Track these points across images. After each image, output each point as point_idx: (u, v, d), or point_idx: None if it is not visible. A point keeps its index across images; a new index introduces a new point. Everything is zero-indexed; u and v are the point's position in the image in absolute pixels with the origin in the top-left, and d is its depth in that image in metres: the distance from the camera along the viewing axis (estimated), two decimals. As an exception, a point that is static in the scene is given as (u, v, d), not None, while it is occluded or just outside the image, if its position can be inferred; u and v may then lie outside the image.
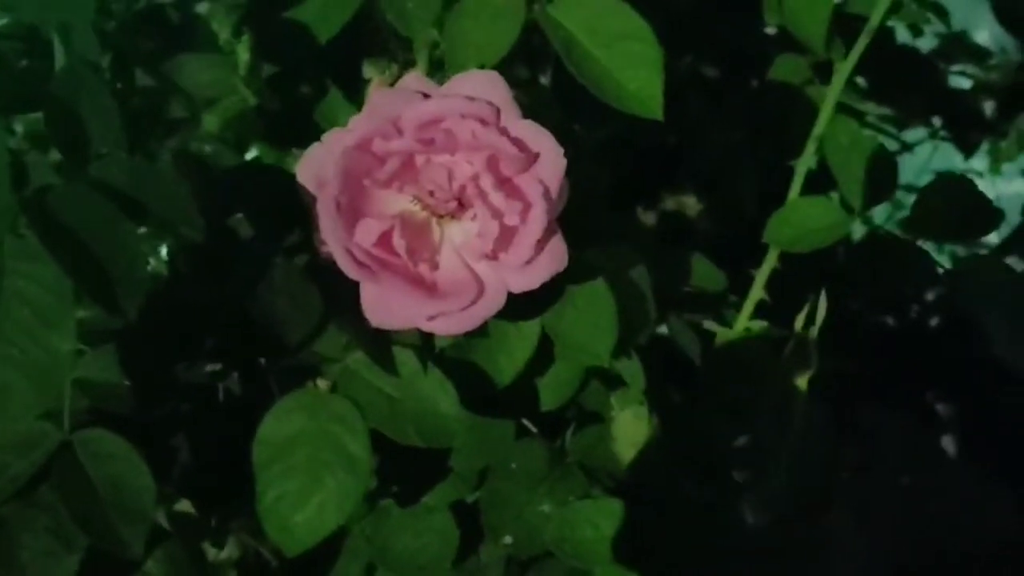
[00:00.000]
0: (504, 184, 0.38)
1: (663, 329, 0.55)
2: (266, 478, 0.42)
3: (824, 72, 0.61)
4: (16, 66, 0.45)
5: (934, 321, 0.99)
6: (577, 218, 0.39)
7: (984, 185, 0.55)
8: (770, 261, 0.54)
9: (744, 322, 0.54)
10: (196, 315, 0.44)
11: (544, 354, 0.44)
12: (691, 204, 0.77)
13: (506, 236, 0.38)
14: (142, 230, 0.41)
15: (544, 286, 0.39)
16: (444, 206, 0.39)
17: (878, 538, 0.97)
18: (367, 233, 0.38)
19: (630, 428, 0.50)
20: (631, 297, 0.46)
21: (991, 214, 0.50)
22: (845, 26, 0.54)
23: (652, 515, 0.50)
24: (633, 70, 0.41)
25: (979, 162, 1.02)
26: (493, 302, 0.39)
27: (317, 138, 0.40)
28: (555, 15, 0.42)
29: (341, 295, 0.39)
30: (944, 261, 0.52)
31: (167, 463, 0.47)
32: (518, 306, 0.39)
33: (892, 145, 0.86)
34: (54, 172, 0.38)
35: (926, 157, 1.03)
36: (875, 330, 0.98)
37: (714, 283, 0.54)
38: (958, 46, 0.97)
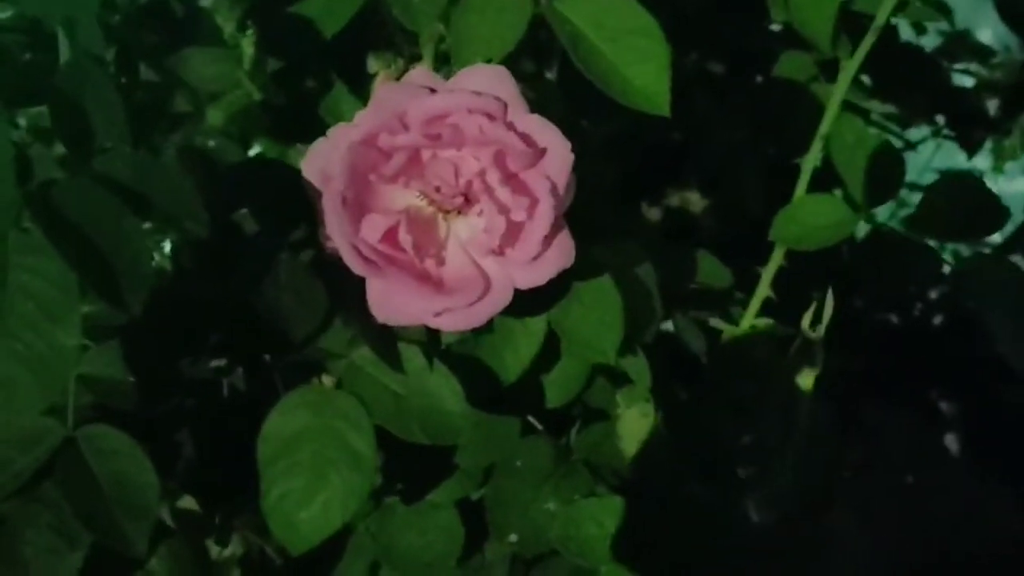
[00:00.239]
0: (511, 179, 0.38)
1: (668, 326, 0.55)
2: (271, 475, 0.42)
3: (829, 70, 0.61)
4: (20, 60, 0.45)
5: (937, 320, 0.99)
6: (583, 214, 0.39)
7: (987, 184, 0.55)
8: (776, 259, 0.53)
9: (750, 320, 0.54)
10: (200, 311, 0.44)
11: (550, 351, 0.44)
12: (695, 201, 0.77)
13: (513, 232, 0.38)
14: (146, 225, 0.40)
15: (550, 282, 0.38)
16: (450, 201, 0.39)
17: (881, 536, 0.97)
18: (373, 228, 0.38)
19: (636, 426, 0.50)
20: (637, 294, 0.45)
21: (998, 212, 0.50)
22: (850, 24, 0.54)
23: (656, 513, 0.50)
24: (640, 66, 0.41)
25: (982, 161, 1.02)
26: (499, 298, 0.38)
27: (322, 133, 0.40)
28: (562, 10, 0.41)
29: (347, 291, 0.39)
30: (947, 260, 0.52)
31: (171, 459, 0.47)
32: (524, 302, 0.39)
33: (895, 143, 0.85)
34: (58, 166, 0.38)
35: (929, 155, 1.03)
36: (878, 328, 0.98)
37: (720, 280, 0.54)
38: (961, 44, 0.97)
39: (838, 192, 0.57)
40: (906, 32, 0.83)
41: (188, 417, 0.48)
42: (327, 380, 0.44)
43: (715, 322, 0.56)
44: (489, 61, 0.40)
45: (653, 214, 0.76)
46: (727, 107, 0.68)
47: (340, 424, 0.42)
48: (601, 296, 0.43)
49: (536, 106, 0.39)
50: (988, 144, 0.98)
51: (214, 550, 0.53)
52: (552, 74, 0.58)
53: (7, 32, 0.45)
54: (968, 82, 0.97)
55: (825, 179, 0.56)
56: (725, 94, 0.69)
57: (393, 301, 0.38)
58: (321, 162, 0.39)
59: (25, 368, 0.34)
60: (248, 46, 0.49)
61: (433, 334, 0.44)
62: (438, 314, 0.38)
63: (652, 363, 0.48)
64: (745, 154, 0.68)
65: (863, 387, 0.92)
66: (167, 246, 0.54)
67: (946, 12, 0.78)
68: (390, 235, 0.38)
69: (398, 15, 0.42)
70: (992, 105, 0.96)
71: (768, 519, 0.60)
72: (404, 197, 0.39)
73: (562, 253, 0.38)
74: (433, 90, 0.39)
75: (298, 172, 0.40)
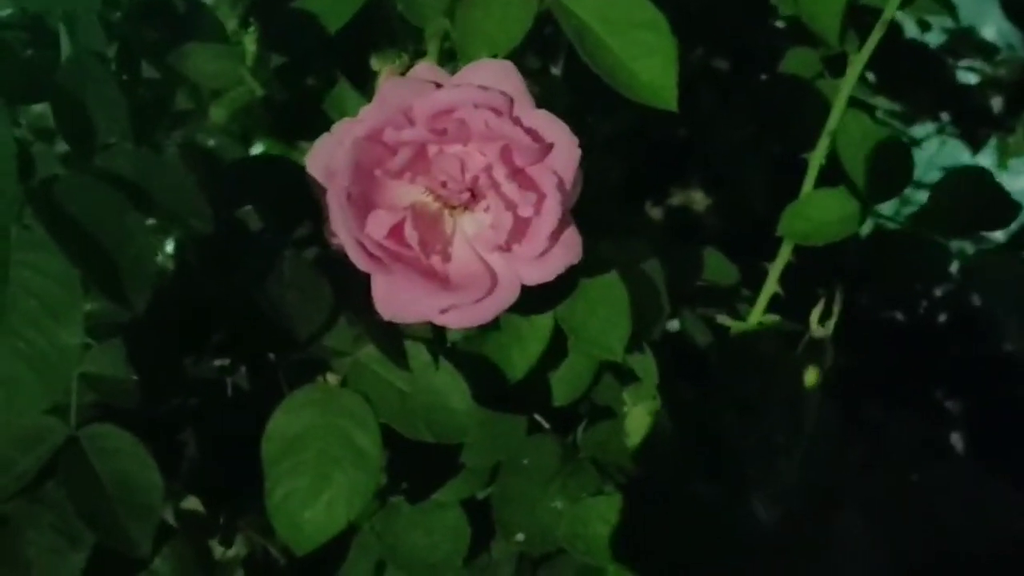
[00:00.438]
0: (517, 175, 0.38)
1: (675, 323, 0.55)
2: (275, 475, 0.41)
3: (834, 66, 0.61)
4: (22, 56, 0.44)
5: (942, 318, 0.99)
6: (590, 210, 0.39)
7: (991, 180, 0.54)
8: (784, 254, 0.53)
9: (758, 316, 0.54)
10: (204, 308, 0.43)
11: (557, 348, 0.44)
12: (701, 198, 0.77)
13: (520, 228, 0.37)
14: (149, 223, 0.40)
15: (557, 279, 0.38)
16: (457, 197, 0.38)
17: (884, 535, 0.97)
18: (378, 225, 0.38)
19: (642, 423, 0.49)
20: (644, 291, 0.45)
21: (1007, 207, 0.50)
22: (857, 19, 0.54)
23: (662, 511, 0.50)
24: (646, 60, 0.41)
25: (986, 158, 1.02)
26: (506, 295, 0.38)
27: (325, 130, 0.39)
28: (567, 4, 0.41)
29: (352, 288, 0.39)
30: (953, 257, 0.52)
31: (175, 459, 0.47)
32: (531, 299, 0.39)
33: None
34: (61, 163, 0.37)
35: (933, 153, 1.03)
36: (883, 326, 0.98)
37: (726, 277, 0.54)
38: (966, 41, 0.97)
39: (842, 188, 0.57)
40: (911, 29, 0.83)
41: (192, 416, 0.48)
42: (332, 378, 0.43)
43: (722, 319, 0.55)
44: (495, 56, 0.40)
45: (659, 211, 0.76)
46: (732, 103, 0.68)
47: (345, 423, 0.42)
48: (608, 293, 0.42)
49: (542, 101, 0.38)
50: (992, 141, 0.98)
51: (218, 550, 0.52)
52: (558, 69, 0.57)
53: (8, 29, 0.45)
54: (972, 79, 0.97)
55: (831, 176, 0.55)
56: (730, 90, 0.69)
57: (399, 298, 0.38)
58: (325, 158, 0.39)
59: (27, 366, 0.34)
60: (251, 42, 0.49)
61: (439, 331, 0.44)
62: (444, 311, 0.38)
63: (659, 360, 0.48)
64: (750, 150, 0.67)
65: (867, 385, 0.92)
66: (170, 246, 0.54)
67: (950, 9, 0.78)
68: (396, 231, 0.38)
69: (402, 10, 0.42)
70: (996, 102, 0.96)
71: (774, 517, 0.60)
72: (410, 193, 0.39)
73: (569, 249, 0.38)
74: (438, 85, 0.38)
75: (302, 168, 0.39)
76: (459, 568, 0.49)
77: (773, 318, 0.54)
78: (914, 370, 0.95)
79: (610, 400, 0.50)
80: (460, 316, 0.38)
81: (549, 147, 0.37)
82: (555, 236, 0.37)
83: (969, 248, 0.88)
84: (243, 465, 0.43)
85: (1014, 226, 0.94)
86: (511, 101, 0.37)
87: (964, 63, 0.96)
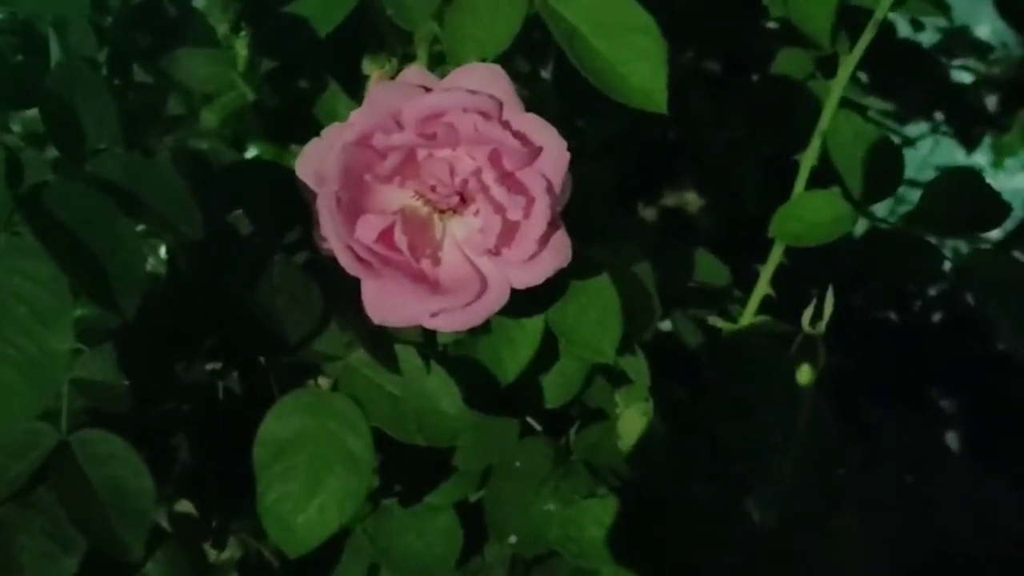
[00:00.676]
0: (507, 178, 0.38)
1: (667, 325, 0.55)
2: (267, 478, 0.42)
3: (826, 66, 0.61)
4: (11, 62, 0.44)
5: (937, 317, 0.99)
6: (580, 213, 0.39)
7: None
8: (775, 256, 0.53)
9: (750, 318, 0.54)
10: (195, 313, 0.43)
11: (548, 351, 0.44)
12: (693, 199, 0.77)
13: (509, 231, 0.37)
14: (140, 228, 0.40)
15: (548, 282, 0.38)
16: (446, 201, 0.38)
17: (881, 535, 0.97)
18: (368, 229, 0.38)
19: (635, 425, 0.49)
20: (635, 293, 0.45)
21: (999, 208, 0.49)
22: (848, 19, 0.53)
23: (656, 513, 0.50)
24: (636, 63, 0.41)
25: (981, 157, 1.02)
26: (496, 298, 0.38)
27: (316, 134, 0.39)
28: (557, 7, 0.41)
29: (342, 292, 0.39)
30: (946, 256, 0.52)
31: (167, 463, 0.47)
32: (522, 302, 0.39)
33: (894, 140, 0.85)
34: (51, 170, 0.37)
35: (927, 152, 1.03)
36: (878, 326, 0.98)
37: (718, 278, 0.54)
38: (960, 41, 0.97)
39: (836, 189, 0.57)
40: (904, 29, 0.83)
41: (183, 421, 0.48)
42: (323, 382, 0.43)
43: (714, 320, 0.55)
44: (484, 60, 0.40)
45: (651, 213, 0.76)
46: (724, 105, 0.68)
47: (336, 426, 0.42)
48: (599, 296, 0.42)
49: (532, 105, 0.38)
50: (987, 140, 0.98)
51: (211, 554, 0.52)
52: (547, 73, 0.57)
53: (-1, 34, 0.45)
54: (967, 78, 0.97)
55: (823, 176, 0.55)
56: (722, 92, 0.69)
57: (389, 302, 0.38)
58: (315, 163, 0.39)
59: (17, 372, 0.34)
60: (242, 47, 0.49)
61: (430, 335, 0.44)
62: (434, 315, 0.38)
63: (651, 362, 0.48)
64: (742, 151, 0.67)
65: (862, 385, 0.92)
66: (162, 251, 0.54)
67: (944, 8, 0.78)
68: (385, 236, 0.38)
69: (392, 14, 0.42)
70: (991, 101, 0.96)
71: (769, 519, 0.60)
72: (399, 197, 0.39)
73: (559, 252, 0.38)
74: (428, 89, 0.38)
75: (292, 173, 0.39)
76: (452, 571, 0.49)
77: (765, 319, 0.54)
78: (910, 370, 0.95)
79: (602, 402, 0.50)
80: (450, 320, 0.38)
81: (538, 151, 0.37)
82: (544, 240, 0.37)
83: (964, 248, 0.88)
84: (236, 469, 0.43)
85: (1010, 225, 0.94)
86: (500, 105, 0.38)
87: (958, 62, 0.96)
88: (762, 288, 0.54)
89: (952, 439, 1.04)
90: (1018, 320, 0.48)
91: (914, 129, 0.97)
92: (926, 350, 0.95)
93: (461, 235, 0.39)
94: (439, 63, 0.45)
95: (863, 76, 0.72)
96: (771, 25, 0.69)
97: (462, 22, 0.41)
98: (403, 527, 0.50)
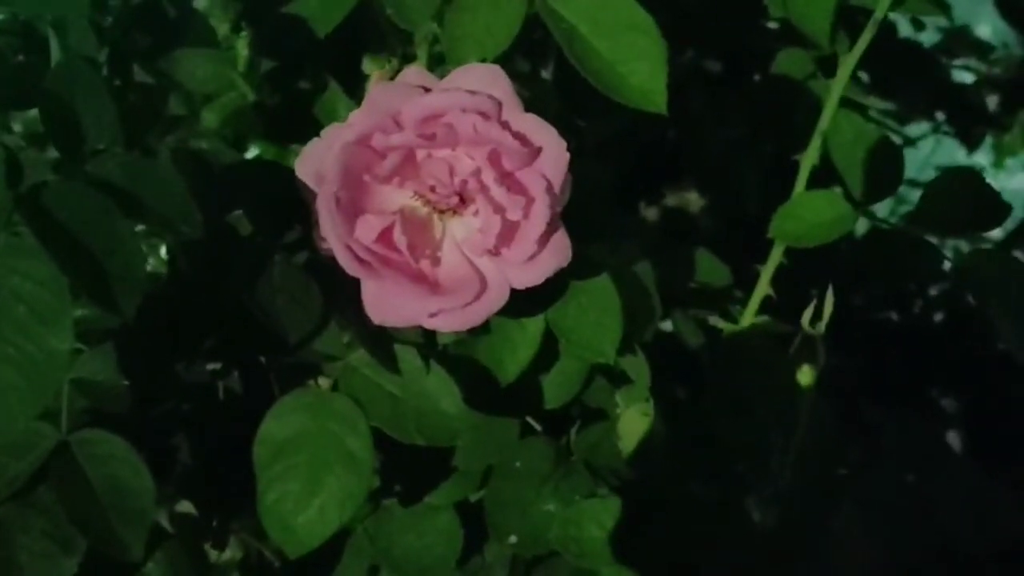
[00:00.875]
0: (506, 179, 0.38)
1: (667, 325, 0.55)
2: (267, 478, 0.41)
3: (827, 66, 0.61)
4: (12, 62, 0.44)
5: (937, 317, 0.99)
6: (580, 213, 0.39)
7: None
8: (775, 256, 0.53)
9: (750, 318, 0.54)
10: (195, 313, 0.43)
11: (548, 351, 0.44)
12: (693, 200, 0.77)
13: (508, 231, 0.37)
14: (140, 228, 0.40)
15: (548, 282, 0.38)
16: (445, 201, 0.38)
17: (881, 535, 0.97)
18: (368, 229, 0.38)
19: (635, 425, 0.49)
20: (636, 293, 0.45)
21: (999, 207, 0.49)
22: (848, 19, 0.53)
23: (656, 513, 0.50)
24: (636, 63, 0.41)
25: (982, 157, 1.02)
26: (496, 298, 0.38)
27: (316, 134, 0.39)
28: (556, 7, 0.41)
29: (342, 292, 0.39)
30: (947, 256, 0.52)
31: (167, 463, 0.47)
32: (521, 302, 0.39)
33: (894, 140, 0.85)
34: (51, 170, 0.37)
35: (928, 152, 1.03)
36: (878, 326, 0.98)
37: (719, 278, 0.54)
38: (960, 40, 0.97)
39: (837, 189, 0.57)
40: (905, 28, 0.83)
41: (183, 421, 0.48)
42: (323, 382, 0.43)
43: (714, 320, 0.55)
44: (483, 60, 0.40)
45: (651, 213, 0.76)
46: (724, 105, 0.68)
47: (336, 427, 0.42)
48: (599, 296, 0.42)
49: (531, 105, 0.38)
50: (988, 140, 0.98)
51: (212, 554, 0.52)
52: (547, 73, 0.57)
53: (-1, 35, 0.45)
54: (968, 78, 0.97)
55: (824, 176, 0.55)
56: (722, 92, 0.69)
57: (388, 302, 0.38)
58: (315, 163, 0.39)
59: (17, 372, 0.34)
60: (242, 47, 0.49)
61: (429, 335, 0.44)
62: (434, 315, 0.38)
63: (651, 362, 0.48)
64: (742, 152, 0.67)
65: (863, 385, 0.92)
66: (162, 250, 0.54)
67: (945, 8, 0.78)
68: (385, 236, 0.38)
69: (392, 14, 0.42)
70: (992, 101, 0.96)
71: (769, 518, 0.60)
72: (399, 197, 0.39)
73: (558, 253, 0.38)
74: (427, 89, 0.38)
75: (292, 173, 0.39)
76: (452, 571, 0.49)
77: (765, 320, 0.54)
78: (910, 370, 0.95)
79: (602, 402, 0.50)
80: (450, 320, 0.38)
81: (538, 151, 0.37)
82: (544, 240, 0.37)
83: (965, 247, 0.88)
84: (236, 469, 0.43)
85: (1010, 225, 0.94)
86: (499, 105, 0.38)
87: (959, 62, 0.96)
88: (762, 288, 0.54)
89: (952, 439, 1.04)
90: (1018, 320, 0.48)
91: (915, 129, 0.97)
92: (926, 350, 0.95)
93: (461, 235, 0.39)
94: (439, 63, 0.45)
95: (863, 76, 0.72)
96: (771, 25, 0.69)
97: (462, 22, 0.41)
98: (403, 527, 0.49)
